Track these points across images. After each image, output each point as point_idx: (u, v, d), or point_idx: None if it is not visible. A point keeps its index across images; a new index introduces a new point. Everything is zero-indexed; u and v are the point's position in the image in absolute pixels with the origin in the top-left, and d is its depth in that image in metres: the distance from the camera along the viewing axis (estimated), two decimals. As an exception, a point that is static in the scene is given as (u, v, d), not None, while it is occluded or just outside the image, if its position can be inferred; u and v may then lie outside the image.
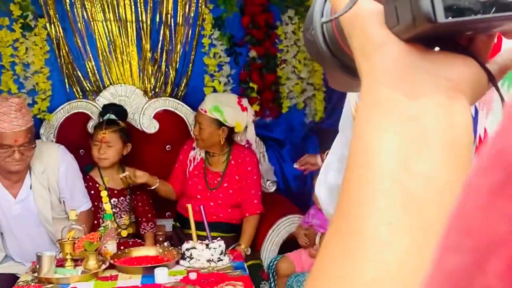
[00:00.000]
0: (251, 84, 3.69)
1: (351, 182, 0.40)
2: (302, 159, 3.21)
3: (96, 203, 3.18)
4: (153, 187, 3.17)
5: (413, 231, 0.37)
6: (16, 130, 2.55)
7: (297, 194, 3.83)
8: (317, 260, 0.40)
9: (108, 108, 3.37)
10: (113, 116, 3.26)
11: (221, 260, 2.47)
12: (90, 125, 3.53)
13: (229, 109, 3.20)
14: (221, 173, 3.23)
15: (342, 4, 0.43)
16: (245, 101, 3.30)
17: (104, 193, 3.17)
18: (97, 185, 3.21)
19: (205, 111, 3.14)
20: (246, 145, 3.42)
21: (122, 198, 3.21)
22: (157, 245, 2.90)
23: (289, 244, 3.14)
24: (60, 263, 2.41)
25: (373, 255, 0.37)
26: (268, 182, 3.59)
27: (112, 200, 3.19)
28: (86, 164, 3.31)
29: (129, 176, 3.05)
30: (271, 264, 3.03)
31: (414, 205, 0.38)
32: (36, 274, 2.34)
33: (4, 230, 2.83)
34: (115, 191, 3.22)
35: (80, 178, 3.03)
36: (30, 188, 2.78)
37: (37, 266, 2.34)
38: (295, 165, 3.23)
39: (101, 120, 3.32)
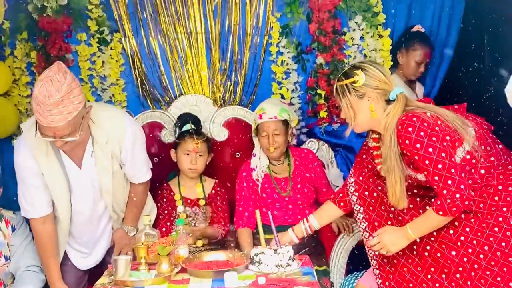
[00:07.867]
0: (318, 91, 3.69)
1: None
2: None
3: (168, 211, 3.26)
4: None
5: None
6: (51, 125, 2.49)
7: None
8: None
9: (187, 117, 3.42)
10: (189, 126, 3.31)
11: (290, 265, 2.48)
12: (163, 134, 3.64)
13: (287, 106, 3.26)
14: (288, 177, 3.26)
15: None
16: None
17: (179, 202, 3.24)
18: (172, 194, 3.29)
19: (276, 117, 3.17)
20: (295, 139, 3.50)
21: (195, 208, 3.26)
22: (227, 250, 2.95)
23: (359, 252, 3.12)
24: (135, 267, 2.51)
25: None
26: (337, 188, 3.57)
27: (185, 209, 3.25)
28: (168, 173, 3.42)
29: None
30: None
31: None
32: (112, 277, 2.45)
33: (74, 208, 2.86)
34: (189, 201, 3.27)
35: (145, 149, 2.96)
36: (91, 156, 2.78)
37: (113, 269, 2.44)
38: None
39: (178, 130, 3.37)
